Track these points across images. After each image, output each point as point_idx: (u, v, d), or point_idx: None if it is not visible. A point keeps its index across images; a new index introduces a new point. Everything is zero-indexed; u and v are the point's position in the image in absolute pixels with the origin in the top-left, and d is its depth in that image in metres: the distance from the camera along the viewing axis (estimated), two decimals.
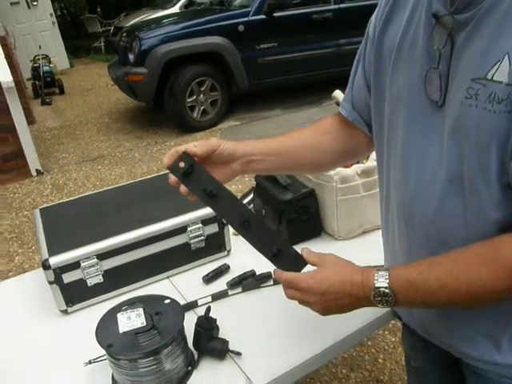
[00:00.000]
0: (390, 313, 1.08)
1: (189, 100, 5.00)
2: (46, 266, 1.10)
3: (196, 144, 0.85)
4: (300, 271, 0.84)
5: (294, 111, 5.55)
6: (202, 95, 5.09)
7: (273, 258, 0.84)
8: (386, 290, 0.72)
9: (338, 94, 1.38)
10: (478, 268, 0.66)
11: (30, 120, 5.59)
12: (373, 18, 0.85)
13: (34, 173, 4.33)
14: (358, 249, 1.32)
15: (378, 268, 0.75)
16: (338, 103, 1.03)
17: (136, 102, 5.90)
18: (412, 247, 0.81)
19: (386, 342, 2.07)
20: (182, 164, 0.84)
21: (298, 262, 0.85)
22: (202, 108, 5.16)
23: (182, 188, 0.85)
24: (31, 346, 1.08)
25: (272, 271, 0.85)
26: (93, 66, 10.09)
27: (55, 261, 1.10)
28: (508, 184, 0.64)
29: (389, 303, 0.73)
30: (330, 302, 0.78)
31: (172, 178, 0.85)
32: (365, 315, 1.06)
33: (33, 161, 4.32)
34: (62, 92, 7.60)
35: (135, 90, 5.00)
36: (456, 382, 0.98)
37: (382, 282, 0.72)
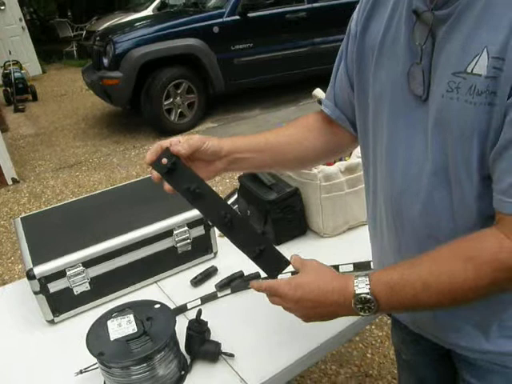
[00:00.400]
0: None
1: (166, 103, 4.97)
2: (30, 275, 1.07)
3: (181, 139, 0.84)
4: (282, 271, 0.85)
5: (272, 111, 5.57)
6: (178, 98, 5.06)
7: (255, 257, 0.84)
8: (368, 296, 0.70)
9: (318, 92, 1.39)
10: (462, 263, 0.65)
11: (3, 128, 5.47)
12: (354, 15, 0.86)
13: (9, 181, 4.23)
14: (344, 245, 1.34)
15: (358, 274, 0.73)
16: (319, 101, 1.03)
17: (112, 106, 5.83)
18: (401, 242, 0.82)
19: (374, 336, 2.09)
20: (164, 161, 0.83)
21: (281, 262, 0.85)
22: (179, 111, 5.13)
23: (166, 185, 0.85)
24: (19, 358, 1.06)
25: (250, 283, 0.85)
26: (66, 72, 9.91)
27: (40, 270, 1.08)
28: (488, 175, 0.66)
29: (370, 310, 0.71)
30: (308, 310, 0.78)
31: (154, 174, 0.84)
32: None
33: (8, 169, 4.22)
34: (35, 98, 7.44)
35: (110, 95, 4.94)
36: (447, 373, 0.99)
37: (362, 287, 0.70)
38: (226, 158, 0.88)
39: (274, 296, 0.80)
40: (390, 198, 0.81)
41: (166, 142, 0.84)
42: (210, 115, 5.55)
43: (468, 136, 0.64)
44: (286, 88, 5.97)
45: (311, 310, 0.77)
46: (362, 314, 0.72)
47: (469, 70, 0.63)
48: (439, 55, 0.68)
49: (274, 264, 0.84)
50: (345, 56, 0.90)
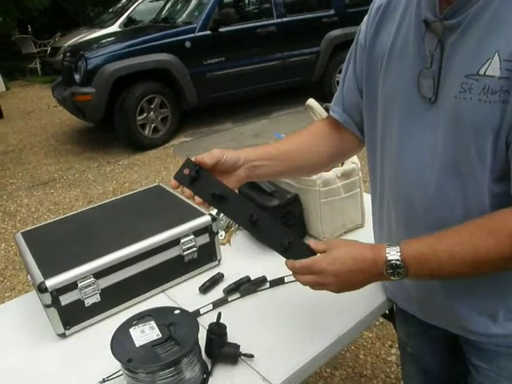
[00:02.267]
0: (385, 303, 1.14)
1: (139, 118, 4.96)
2: (42, 288, 1.07)
3: (202, 156, 0.88)
4: None
5: (245, 123, 5.64)
6: (152, 112, 5.06)
7: (284, 251, 0.87)
8: (398, 262, 0.76)
9: (312, 102, 1.44)
10: (483, 237, 0.72)
11: None
12: (362, 26, 0.93)
13: None
14: None
15: (389, 243, 0.79)
16: (326, 108, 1.09)
17: (83, 122, 5.76)
18: (412, 235, 0.87)
19: (364, 338, 2.15)
20: (186, 171, 0.86)
21: (309, 253, 0.87)
22: (153, 125, 5.14)
23: (187, 192, 0.88)
24: (32, 374, 1.04)
25: (284, 263, 0.87)
26: (30, 89, 9.73)
27: (52, 283, 1.08)
28: (501, 164, 0.72)
29: (400, 275, 0.77)
30: (345, 281, 0.82)
31: (173, 182, 0.88)
32: (361, 309, 1.12)
33: None
34: (0, 116, 7.27)
35: (84, 111, 4.89)
36: (453, 362, 1.05)
37: (393, 255, 0.77)
38: (244, 167, 0.93)
39: (309, 274, 0.83)
40: (400, 194, 0.87)
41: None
42: (183, 129, 5.57)
43: (482, 131, 0.70)
44: (257, 101, 6.07)
45: (347, 280, 0.81)
46: (392, 278, 0.78)
47: (481, 73, 0.69)
48: (450, 61, 0.74)
49: (302, 256, 0.86)
50: (353, 63, 0.97)
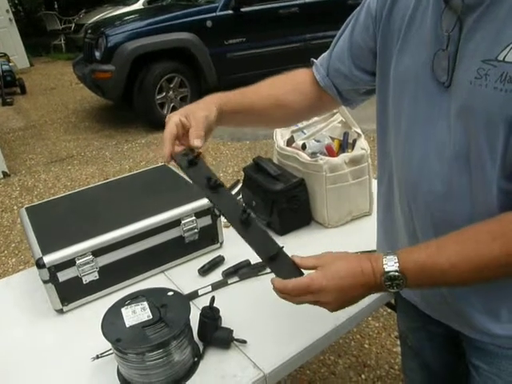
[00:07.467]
0: (385, 295, 1.10)
1: (158, 97, 4.94)
2: (40, 264, 1.07)
3: (182, 119, 0.86)
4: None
5: None
6: (171, 92, 5.04)
7: (269, 260, 0.80)
8: (397, 274, 0.71)
9: None
10: (488, 244, 0.67)
11: None
12: None
13: (0, 175, 4.19)
14: (348, 235, 1.36)
15: (385, 252, 0.74)
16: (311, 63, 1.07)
17: (103, 100, 5.78)
18: (416, 226, 0.83)
19: (371, 327, 2.12)
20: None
21: (294, 270, 0.79)
22: (172, 104, 5.11)
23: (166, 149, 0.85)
24: (29, 347, 1.05)
25: (270, 281, 0.78)
26: (54, 65, 9.80)
27: (50, 259, 1.08)
28: (511, 160, 0.67)
29: (399, 286, 0.72)
30: (345, 297, 0.75)
31: (167, 157, 0.86)
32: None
33: None
34: (23, 92, 7.35)
35: (103, 88, 4.90)
36: (453, 358, 1.02)
37: (391, 266, 0.71)
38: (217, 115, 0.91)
39: (304, 295, 0.75)
40: (406, 182, 0.83)
41: (173, 130, 0.85)
42: None
43: (495, 122, 0.65)
44: None
45: (348, 296, 0.75)
46: (390, 290, 0.72)
47: (500, 58, 0.64)
48: (467, 43, 0.69)
49: (288, 270, 0.79)
50: (351, 29, 0.93)
